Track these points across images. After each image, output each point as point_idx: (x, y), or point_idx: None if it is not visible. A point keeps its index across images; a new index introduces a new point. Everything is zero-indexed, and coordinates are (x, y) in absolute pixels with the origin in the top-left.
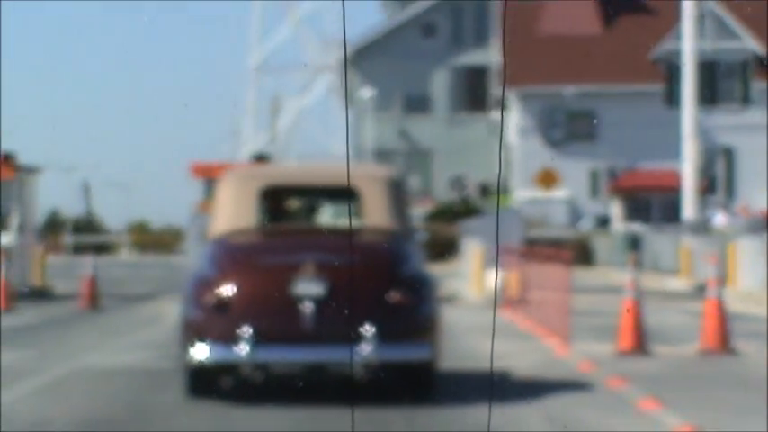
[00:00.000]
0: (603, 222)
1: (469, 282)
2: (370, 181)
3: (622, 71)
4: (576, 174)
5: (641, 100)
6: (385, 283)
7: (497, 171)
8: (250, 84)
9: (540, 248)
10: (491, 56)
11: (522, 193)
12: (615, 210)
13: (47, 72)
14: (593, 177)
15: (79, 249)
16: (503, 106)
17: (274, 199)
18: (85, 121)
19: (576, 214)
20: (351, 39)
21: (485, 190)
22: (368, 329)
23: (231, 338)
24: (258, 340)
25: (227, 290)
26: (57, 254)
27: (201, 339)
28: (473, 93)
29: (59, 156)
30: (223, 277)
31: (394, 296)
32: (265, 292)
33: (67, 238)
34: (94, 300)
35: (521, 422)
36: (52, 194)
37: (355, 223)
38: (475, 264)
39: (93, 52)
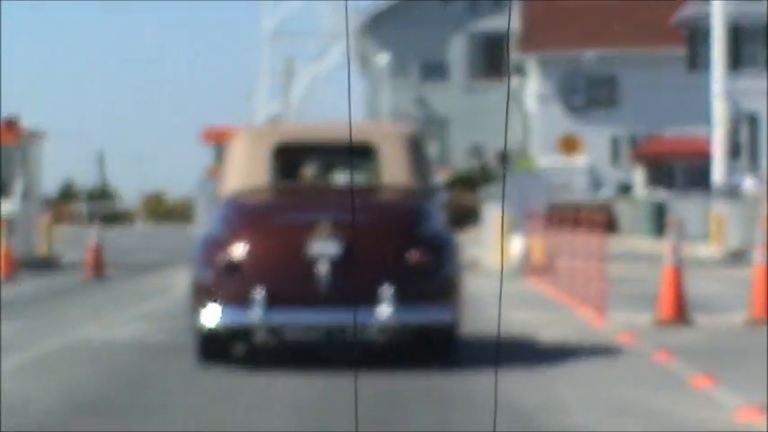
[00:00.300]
0: (625, 189)
1: (491, 249)
2: (389, 138)
3: (643, 35)
4: (596, 140)
5: (663, 64)
6: (404, 242)
7: (515, 138)
8: (264, 49)
9: (566, 214)
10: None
11: (543, 161)
12: (637, 177)
13: (60, 40)
14: (614, 144)
15: (94, 220)
16: (508, 73)
17: (288, 157)
18: (100, 90)
19: (597, 181)
20: (368, 5)
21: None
22: (386, 291)
23: (243, 301)
24: (271, 303)
25: (239, 250)
26: (70, 223)
27: (213, 302)
28: (491, 59)
29: (73, 125)
30: (234, 237)
31: (414, 256)
32: (279, 252)
33: (82, 208)
34: (99, 269)
35: (562, 404)
36: (67, 164)
37: (373, 181)
38: (496, 230)
39: (105, 23)
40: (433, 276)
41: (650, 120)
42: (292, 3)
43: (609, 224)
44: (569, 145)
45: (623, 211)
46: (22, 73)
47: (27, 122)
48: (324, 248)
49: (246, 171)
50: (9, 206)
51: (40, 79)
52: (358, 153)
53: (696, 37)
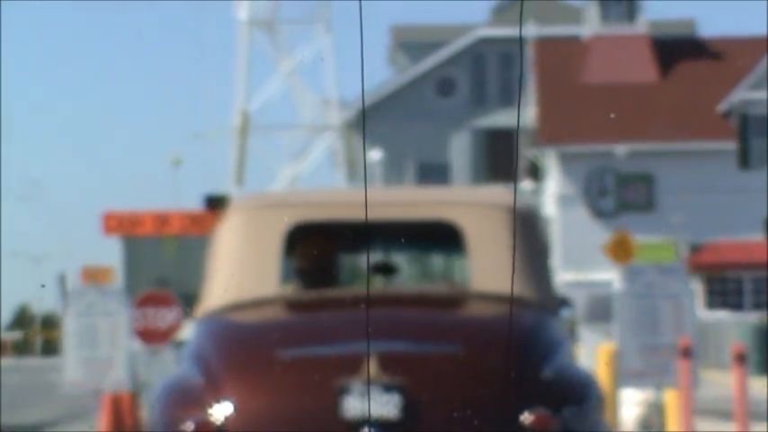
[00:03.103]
0: None
1: None
2: (485, 214)
3: (685, 126)
4: None
5: (709, 160)
6: (515, 394)
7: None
8: (233, 146)
9: None
10: (520, 116)
11: (563, 276)
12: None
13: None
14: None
15: (49, 350)
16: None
17: (311, 246)
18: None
19: None
20: (355, 97)
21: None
22: None
23: None
24: None
25: (223, 410)
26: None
27: None
28: (497, 159)
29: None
30: (215, 386)
31: (532, 420)
32: (291, 413)
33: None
34: None
35: None
36: (21, 287)
37: (456, 287)
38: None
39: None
40: None
41: (695, 226)
42: (268, 90)
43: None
44: (621, 249)
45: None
46: None
47: None
48: (371, 407)
49: (244, 271)
50: None
51: None
52: (428, 239)
53: (748, 127)
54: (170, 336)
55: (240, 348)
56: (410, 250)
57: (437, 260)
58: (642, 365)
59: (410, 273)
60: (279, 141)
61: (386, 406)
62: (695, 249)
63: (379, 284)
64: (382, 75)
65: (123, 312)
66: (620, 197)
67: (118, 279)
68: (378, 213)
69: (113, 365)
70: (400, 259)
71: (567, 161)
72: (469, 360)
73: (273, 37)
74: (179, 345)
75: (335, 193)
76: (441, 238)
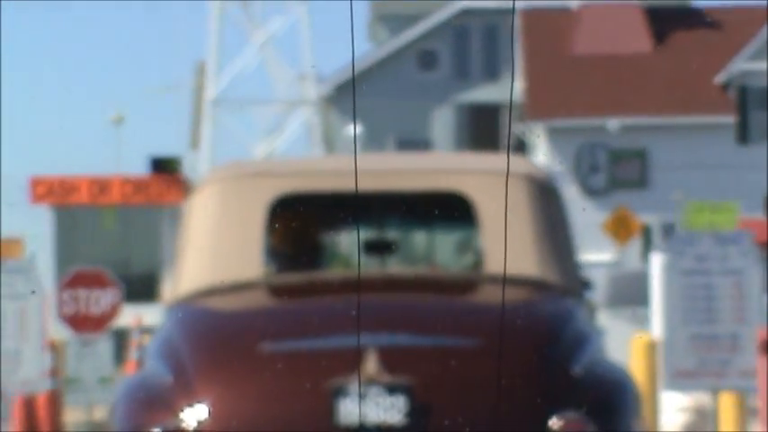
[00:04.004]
0: None
1: None
2: (500, 183)
3: (680, 99)
4: None
5: (706, 134)
6: (542, 395)
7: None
8: (207, 119)
9: None
10: (505, 90)
11: None
12: None
13: None
14: (646, 235)
15: None
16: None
17: (301, 222)
18: None
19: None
20: (332, 71)
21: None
22: None
23: None
24: None
25: (196, 414)
26: None
27: None
28: (481, 135)
29: None
30: (187, 386)
31: (561, 425)
32: (278, 418)
33: None
34: None
35: None
36: None
37: (466, 268)
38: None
39: None
40: None
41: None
42: (240, 62)
43: None
44: (624, 225)
45: None
46: None
47: None
48: (369, 410)
49: (221, 250)
50: None
51: None
52: (433, 213)
53: (748, 100)
54: (106, 323)
55: (216, 341)
56: (412, 226)
57: (443, 238)
58: (694, 363)
59: (412, 253)
60: (252, 117)
61: (389, 410)
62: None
63: (378, 266)
64: (361, 48)
65: (37, 295)
66: (612, 174)
67: (45, 256)
68: (374, 183)
69: (21, 361)
70: (400, 237)
71: (555, 136)
72: (486, 355)
73: (246, 7)
74: (121, 334)
75: (324, 160)
76: (451, 210)
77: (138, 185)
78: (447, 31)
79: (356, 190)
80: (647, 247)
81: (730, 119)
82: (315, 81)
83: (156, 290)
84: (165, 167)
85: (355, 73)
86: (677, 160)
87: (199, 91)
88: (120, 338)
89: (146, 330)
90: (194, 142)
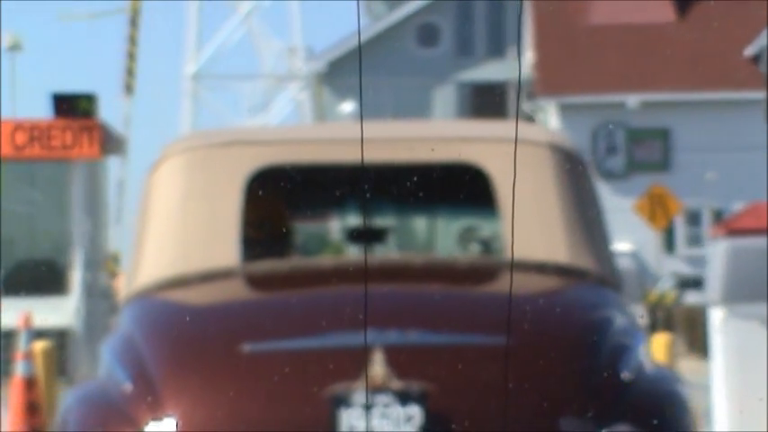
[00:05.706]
0: (694, 284)
1: None
2: (522, 154)
3: (706, 73)
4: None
5: (734, 112)
6: (587, 406)
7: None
8: (186, 96)
9: None
10: (511, 68)
11: None
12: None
13: None
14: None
15: None
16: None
17: (285, 200)
18: None
19: (644, 275)
20: (325, 47)
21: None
22: None
23: None
24: None
25: (165, 428)
26: None
27: None
28: (486, 115)
29: None
30: (152, 395)
31: None
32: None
33: None
34: None
35: None
36: None
37: (483, 253)
38: None
39: None
40: None
41: (717, 187)
42: (223, 34)
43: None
44: (662, 206)
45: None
46: None
47: None
48: (376, 423)
49: (189, 234)
50: None
51: None
52: (441, 187)
53: None
54: None
55: (185, 341)
56: (417, 206)
57: (452, 218)
58: None
59: (416, 237)
60: (236, 93)
61: (400, 423)
62: (718, 217)
63: (379, 252)
64: (356, 23)
65: None
66: (631, 156)
67: None
68: (370, 154)
69: None
70: (402, 218)
71: (569, 114)
72: (517, 358)
73: None
74: (4, 338)
75: (310, 128)
76: (460, 187)
77: (34, 132)
78: (449, 4)
79: (362, 161)
80: (671, 236)
81: (761, 95)
82: (305, 55)
83: (61, 280)
84: (71, 107)
85: (351, 48)
86: (703, 140)
87: (134, 14)
88: (4, 345)
89: (39, 334)
90: (128, 86)
